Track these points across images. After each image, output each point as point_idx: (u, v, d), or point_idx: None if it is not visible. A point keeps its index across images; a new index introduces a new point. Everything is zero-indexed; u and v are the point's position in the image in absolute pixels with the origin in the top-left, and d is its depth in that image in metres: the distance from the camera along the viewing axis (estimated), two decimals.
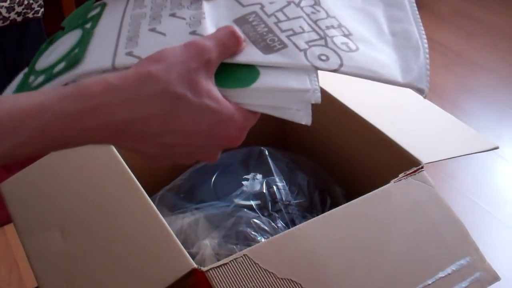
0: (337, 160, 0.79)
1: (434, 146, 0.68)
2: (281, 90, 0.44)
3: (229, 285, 0.49)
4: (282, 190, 0.71)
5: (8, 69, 1.66)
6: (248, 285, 0.50)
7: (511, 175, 1.63)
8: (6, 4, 1.50)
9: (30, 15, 1.58)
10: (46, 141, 0.38)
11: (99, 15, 0.50)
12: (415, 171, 0.62)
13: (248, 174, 0.73)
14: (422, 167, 0.63)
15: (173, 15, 0.48)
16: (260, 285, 0.50)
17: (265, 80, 0.44)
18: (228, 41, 0.44)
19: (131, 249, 0.55)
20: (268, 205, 0.69)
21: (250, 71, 0.44)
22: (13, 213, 0.61)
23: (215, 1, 0.50)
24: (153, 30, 0.46)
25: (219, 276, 0.49)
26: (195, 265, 0.50)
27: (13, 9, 1.52)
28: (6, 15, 1.52)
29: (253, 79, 0.44)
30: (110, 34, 0.47)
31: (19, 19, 1.56)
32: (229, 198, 0.70)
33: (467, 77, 2.03)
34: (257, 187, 0.71)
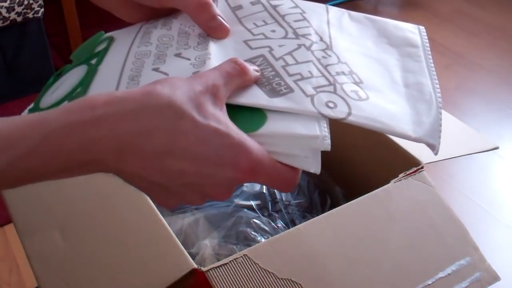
0: (337, 160, 0.79)
1: None
2: (289, 136, 0.42)
3: (229, 285, 0.49)
4: None
5: (8, 69, 1.66)
6: (248, 285, 0.50)
7: (511, 175, 1.63)
8: (6, 4, 1.50)
9: (30, 15, 1.58)
10: (47, 154, 0.36)
11: (105, 50, 0.49)
12: (415, 171, 0.62)
13: None
14: (422, 167, 0.63)
15: (178, 55, 0.46)
16: (260, 285, 0.50)
17: (272, 125, 0.42)
18: (232, 70, 0.42)
19: (131, 249, 0.55)
20: (268, 205, 0.69)
21: (257, 116, 0.42)
22: (13, 213, 0.61)
23: (223, 42, 0.48)
24: (156, 70, 0.45)
25: (219, 276, 0.49)
26: (195, 265, 0.50)
27: (13, 9, 1.52)
28: (6, 15, 1.52)
29: (260, 124, 0.42)
30: (112, 72, 0.46)
31: (19, 19, 1.56)
32: (229, 198, 0.70)
33: (467, 77, 2.03)
34: (257, 187, 0.71)
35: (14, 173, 0.37)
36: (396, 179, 0.61)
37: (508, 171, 1.64)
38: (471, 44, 2.21)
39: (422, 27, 0.55)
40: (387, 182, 0.61)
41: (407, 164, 0.64)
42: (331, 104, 0.43)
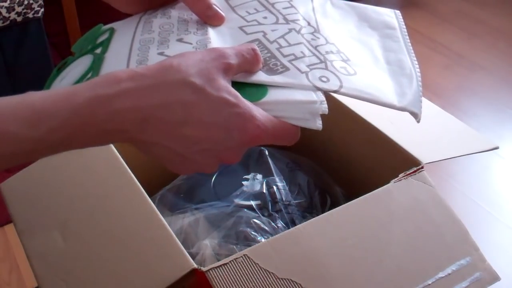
0: (337, 160, 0.79)
1: (434, 146, 0.68)
2: (290, 103, 0.46)
3: (229, 285, 0.49)
4: (282, 190, 0.71)
5: (8, 69, 1.66)
6: (248, 285, 0.50)
7: (511, 175, 1.63)
8: (6, 4, 1.50)
9: (30, 15, 1.58)
10: (78, 125, 0.39)
11: (108, 40, 0.52)
12: (415, 171, 0.62)
13: (248, 174, 0.73)
14: (422, 167, 0.63)
15: (180, 40, 0.50)
16: (260, 285, 0.50)
17: (274, 95, 0.46)
18: (248, 55, 0.46)
19: (131, 249, 0.55)
20: (268, 205, 0.69)
21: (259, 88, 0.46)
22: (13, 213, 0.61)
23: (220, 28, 0.52)
24: (161, 54, 0.48)
25: (219, 276, 0.49)
26: (195, 265, 0.50)
27: (13, 9, 1.52)
28: (6, 15, 1.52)
29: (263, 95, 0.46)
30: (120, 58, 0.49)
31: (19, 19, 1.56)
32: (229, 198, 0.70)
33: (467, 78, 2.03)
34: (257, 187, 0.71)
35: (48, 144, 0.40)
36: (396, 179, 0.61)
37: (509, 171, 1.64)
38: (471, 44, 2.21)
39: (397, 11, 0.60)
40: (387, 182, 0.61)
41: (407, 164, 0.64)
42: (324, 79, 0.47)
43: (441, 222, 0.60)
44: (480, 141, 0.70)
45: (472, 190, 1.56)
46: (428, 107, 0.76)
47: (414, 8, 2.44)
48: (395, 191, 0.60)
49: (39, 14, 1.60)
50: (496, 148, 0.69)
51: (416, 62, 0.54)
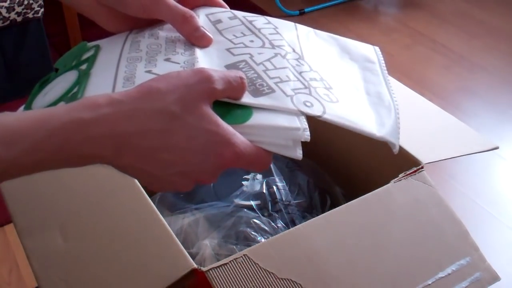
0: (337, 160, 0.79)
1: (434, 146, 0.68)
2: (273, 128, 0.46)
3: (229, 285, 0.49)
4: (282, 190, 0.71)
5: (8, 69, 1.66)
6: (248, 285, 0.50)
7: (511, 176, 1.63)
8: (6, 4, 1.50)
9: (30, 15, 1.58)
10: (52, 149, 0.39)
11: (94, 57, 0.52)
12: (415, 171, 0.62)
13: (248, 174, 0.73)
14: (422, 167, 0.63)
15: (167, 59, 0.50)
16: (260, 285, 0.50)
17: (258, 118, 0.46)
18: (235, 82, 0.45)
19: (131, 249, 0.55)
20: (268, 205, 0.69)
21: (244, 110, 0.46)
22: (13, 213, 0.61)
23: (208, 50, 0.52)
24: (149, 72, 0.48)
25: (219, 276, 0.50)
26: (195, 265, 0.50)
27: (13, 9, 1.53)
28: (6, 15, 1.52)
29: (247, 117, 0.46)
30: (107, 74, 0.49)
31: (19, 19, 1.56)
32: (229, 198, 0.70)
33: (467, 78, 2.03)
34: (257, 187, 0.71)
35: (21, 166, 0.39)
36: (396, 179, 0.61)
37: (509, 172, 1.64)
38: (471, 45, 2.21)
39: (377, 47, 0.63)
40: (387, 182, 0.61)
41: (407, 164, 0.64)
42: (308, 104, 0.48)
43: (441, 222, 0.60)
44: (480, 141, 0.70)
45: (472, 190, 1.56)
46: (428, 107, 0.76)
47: (414, 8, 2.44)
48: (395, 191, 0.60)
49: (39, 14, 1.60)
50: (496, 148, 0.69)
51: (395, 95, 0.55)
